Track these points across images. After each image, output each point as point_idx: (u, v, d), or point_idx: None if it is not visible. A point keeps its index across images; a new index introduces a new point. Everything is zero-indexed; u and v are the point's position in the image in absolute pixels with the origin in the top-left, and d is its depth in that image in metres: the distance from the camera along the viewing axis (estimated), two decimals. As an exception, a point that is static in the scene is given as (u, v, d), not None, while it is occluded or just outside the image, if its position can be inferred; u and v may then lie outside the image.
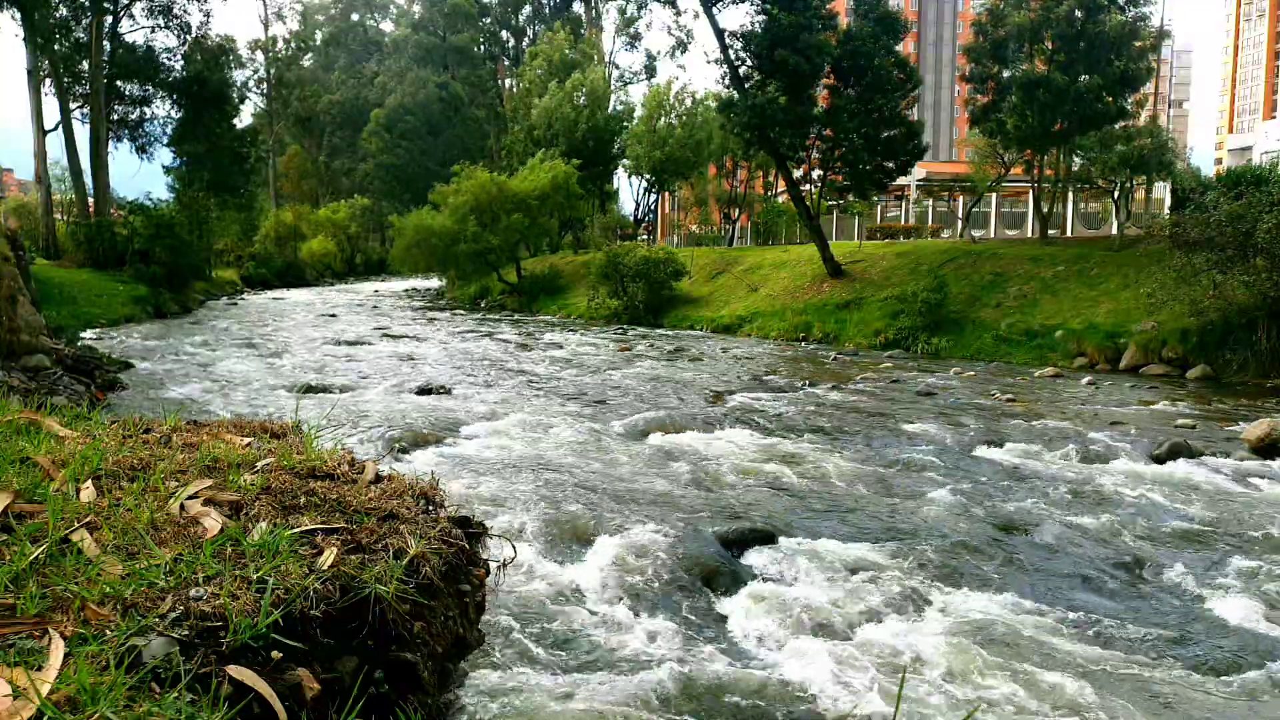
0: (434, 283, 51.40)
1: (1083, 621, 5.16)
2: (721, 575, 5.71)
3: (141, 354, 17.30)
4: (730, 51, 27.91)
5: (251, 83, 66.13)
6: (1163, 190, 30.81)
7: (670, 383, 15.13)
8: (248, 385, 13.63)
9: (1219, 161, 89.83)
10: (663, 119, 49.64)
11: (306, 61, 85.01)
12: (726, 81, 29.46)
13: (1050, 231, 29.78)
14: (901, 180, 33.94)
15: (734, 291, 30.28)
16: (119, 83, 38.78)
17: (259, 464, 2.87)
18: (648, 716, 3.88)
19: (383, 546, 2.39)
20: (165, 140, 41.67)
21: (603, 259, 32.64)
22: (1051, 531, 6.86)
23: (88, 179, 36.50)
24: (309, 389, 13.09)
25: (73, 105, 36.24)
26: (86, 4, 35.63)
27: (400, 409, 11.56)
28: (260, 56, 69.50)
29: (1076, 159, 28.25)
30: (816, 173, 29.74)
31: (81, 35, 36.51)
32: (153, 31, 39.33)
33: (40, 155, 33.71)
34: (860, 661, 4.49)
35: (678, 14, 64.85)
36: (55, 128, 34.60)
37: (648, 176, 51.90)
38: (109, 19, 37.15)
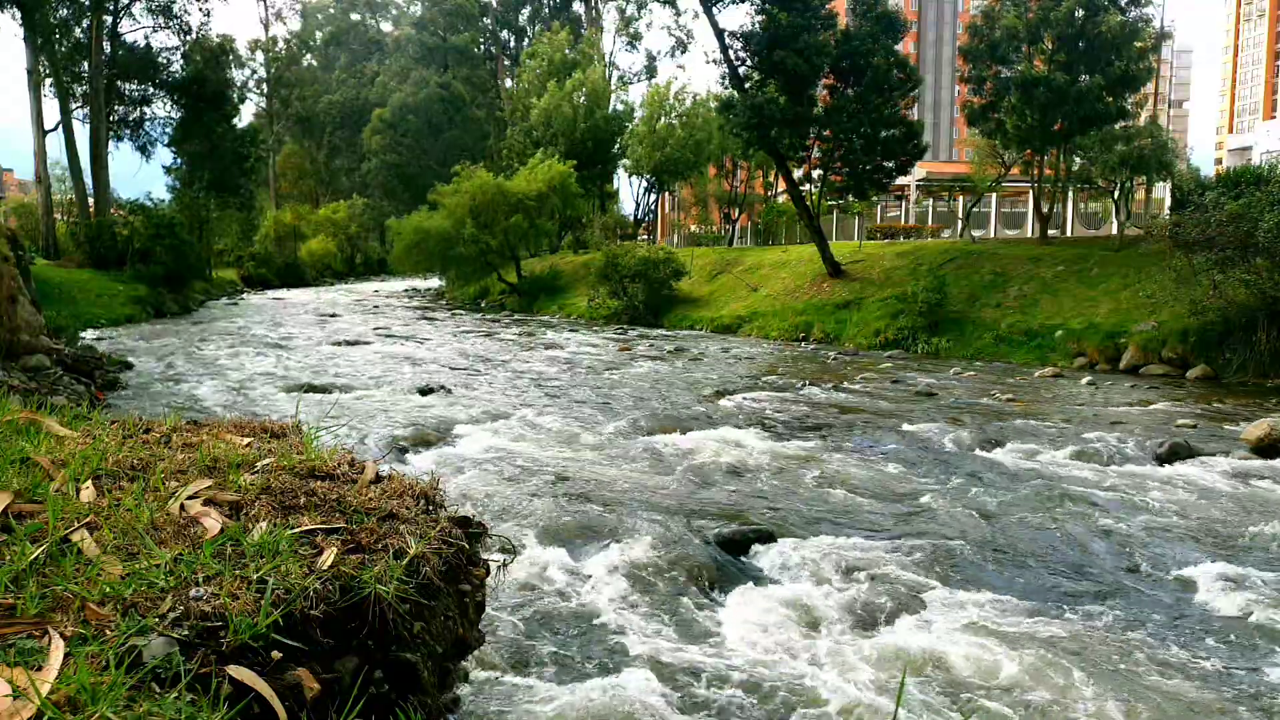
0: (434, 283, 51.42)
1: (1082, 621, 5.16)
2: (721, 575, 5.71)
3: (142, 354, 17.31)
4: (730, 51, 27.90)
5: (251, 83, 66.28)
6: (1163, 190, 30.78)
7: (670, 383, 15.13)
8: (248, 385, 13.64)
9: (1219, 161, 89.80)
10: (663, 119, 49.60)
11: (306, 61, 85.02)
12: (726, 81, 29.44)
13: (1050, 231, 29.76)
14: (901, 180, 33.90)
15: (734, 291, 30.28)
16: (119, 83, 38.78)
17: (259, 464, 2.87)
18: (648, 717, 3.88)
19: (383, 546, 2.39)
20: (165, 140, 41.71)
21: (602, 259, 32.64)
22: (1051, 532, 6.86)
23: (88, 179, 36.54)
24: (309, 389, 13.09)
25: (73, 105, 36.24)
26: (86, 4, 35.62)
27: (400, 409, 11.56)
28: (260, 56, 69.60)
29: (1076, 159, 28.23)
30: (816, 173, 29.72)
31: (81, 35, 36.50)
32: (153, 31, 39.40)
33: (40, 155, 33.73)
34: (860, 661, 4.49)
35: (678, 14, 65.00)
36: (55, 128, 34.64)
37: (648, 177, 51.87)
38: (109, 19, 37.15)
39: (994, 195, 36.21)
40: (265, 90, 70.56)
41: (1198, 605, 5.55)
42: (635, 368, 17.37)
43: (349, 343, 20.98)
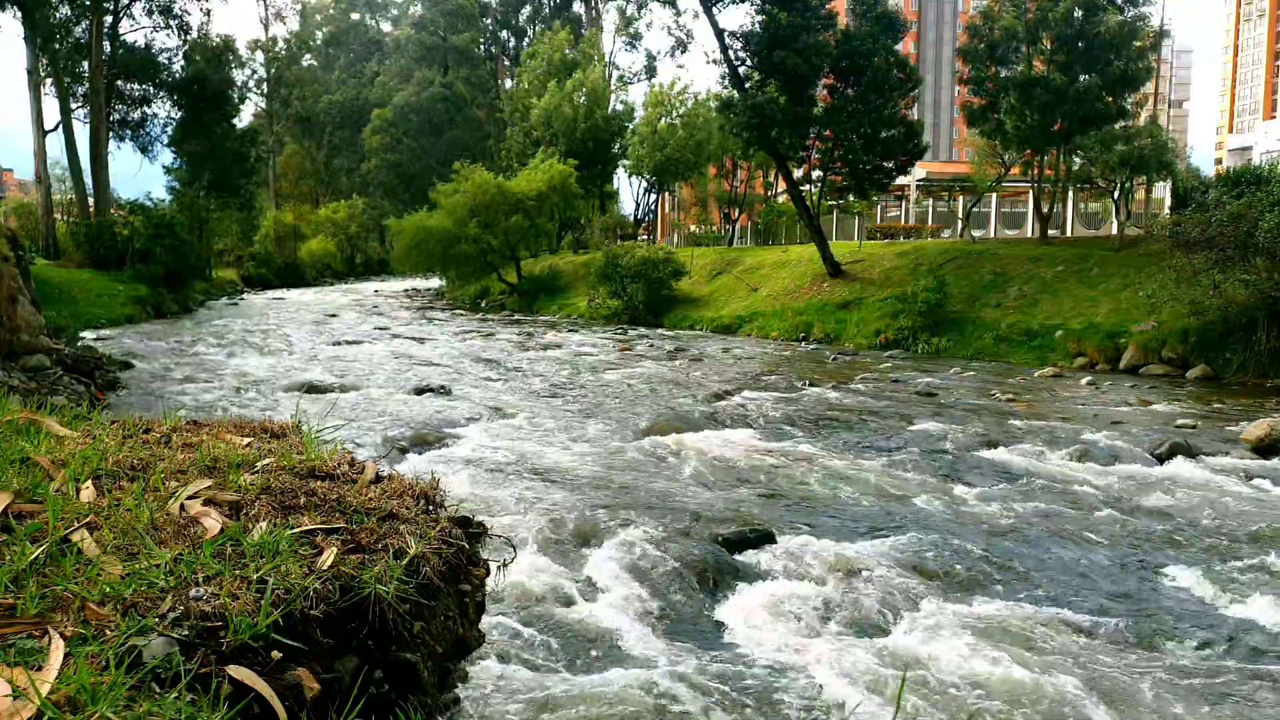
0: (434, 283, 51.41)
1: (1082, 621, 5.16)
2: (721, 575, 5.71)
3: (142, 354, 17.31)
4: (730, 51, 27.90)
5: (251, 83, 66.27)
6: (1163, 190, 30.79)
7: (670, 382, 15.13)
8: (248, 385, 13.64)
9: (1219, 161, 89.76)
10: (664, 120, 49.60)
11: (306, 61, 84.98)
12: (726, 81, 29.47)
13: (1050, 231, 29.76)
14: (901, 180, 33.91)
15: (734, 291, 30.28)
16: (119, 83, 38.77)
17: (259, 464, 2.86)
18: (647, 717, 3.88)
19: (383, 546, 2.38)
20: (166, 140, 41.68)
21: (602, 259, 32.65)
22: (1051, 532, 6.86)
23: (88, 179, 36.53)
24: (309, 389, 13.10)
25: (73, 105, 36.24)
26: (87, 4, 35.62)
27: (400, 409, 11.56)
28: (260, 56, 69.59)
29: (1076, 159, 28.23)
30: (816, 173, 29.73)
31: (81, 35, 36.49)
32: (153, 31, 39.39)
33: (40, 155, 33.73)
34: (860, 661, 4.49)
35: (678, 14, 64.86)
36: (55, 128, 34.63)
37: (648, 177, 51.87)
38: (109, 19, 37.14)
39: (994, 195, 36.22)
40: (265, 90, 70.53)
41: (1197, 605, 5.55)
42: (635, 368, 17.37)
43: (349, 342, 20.99)
